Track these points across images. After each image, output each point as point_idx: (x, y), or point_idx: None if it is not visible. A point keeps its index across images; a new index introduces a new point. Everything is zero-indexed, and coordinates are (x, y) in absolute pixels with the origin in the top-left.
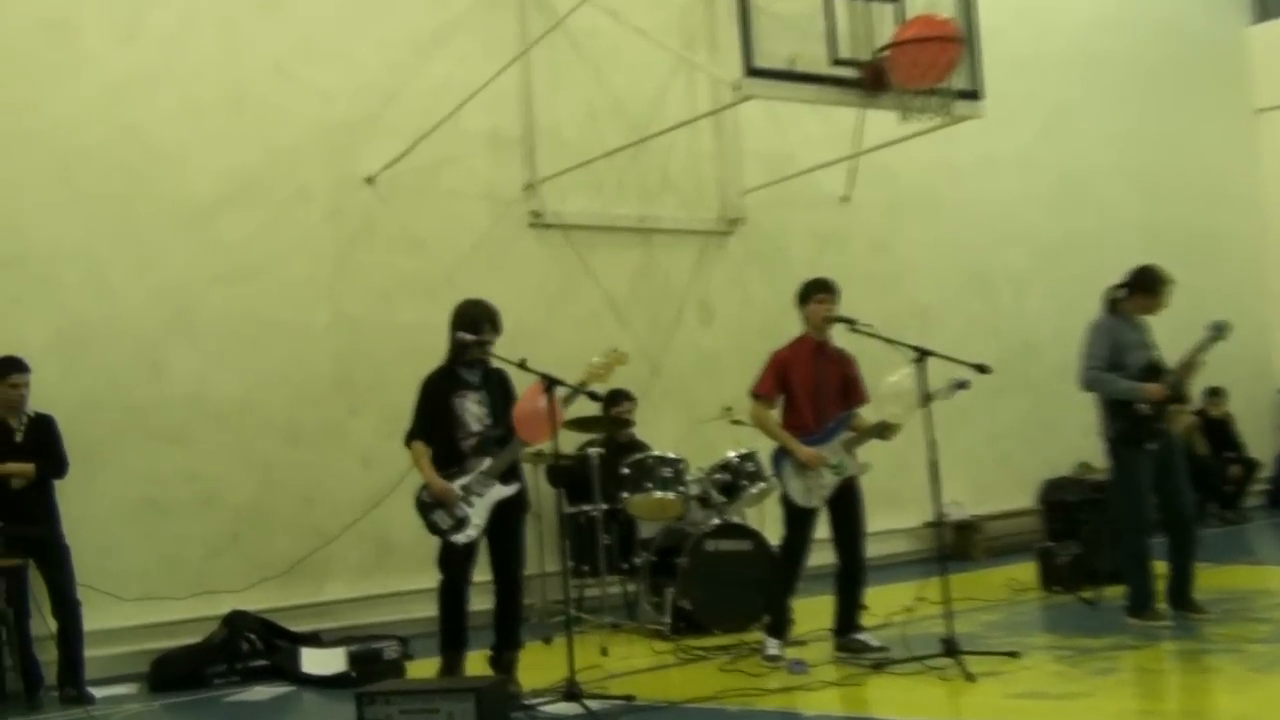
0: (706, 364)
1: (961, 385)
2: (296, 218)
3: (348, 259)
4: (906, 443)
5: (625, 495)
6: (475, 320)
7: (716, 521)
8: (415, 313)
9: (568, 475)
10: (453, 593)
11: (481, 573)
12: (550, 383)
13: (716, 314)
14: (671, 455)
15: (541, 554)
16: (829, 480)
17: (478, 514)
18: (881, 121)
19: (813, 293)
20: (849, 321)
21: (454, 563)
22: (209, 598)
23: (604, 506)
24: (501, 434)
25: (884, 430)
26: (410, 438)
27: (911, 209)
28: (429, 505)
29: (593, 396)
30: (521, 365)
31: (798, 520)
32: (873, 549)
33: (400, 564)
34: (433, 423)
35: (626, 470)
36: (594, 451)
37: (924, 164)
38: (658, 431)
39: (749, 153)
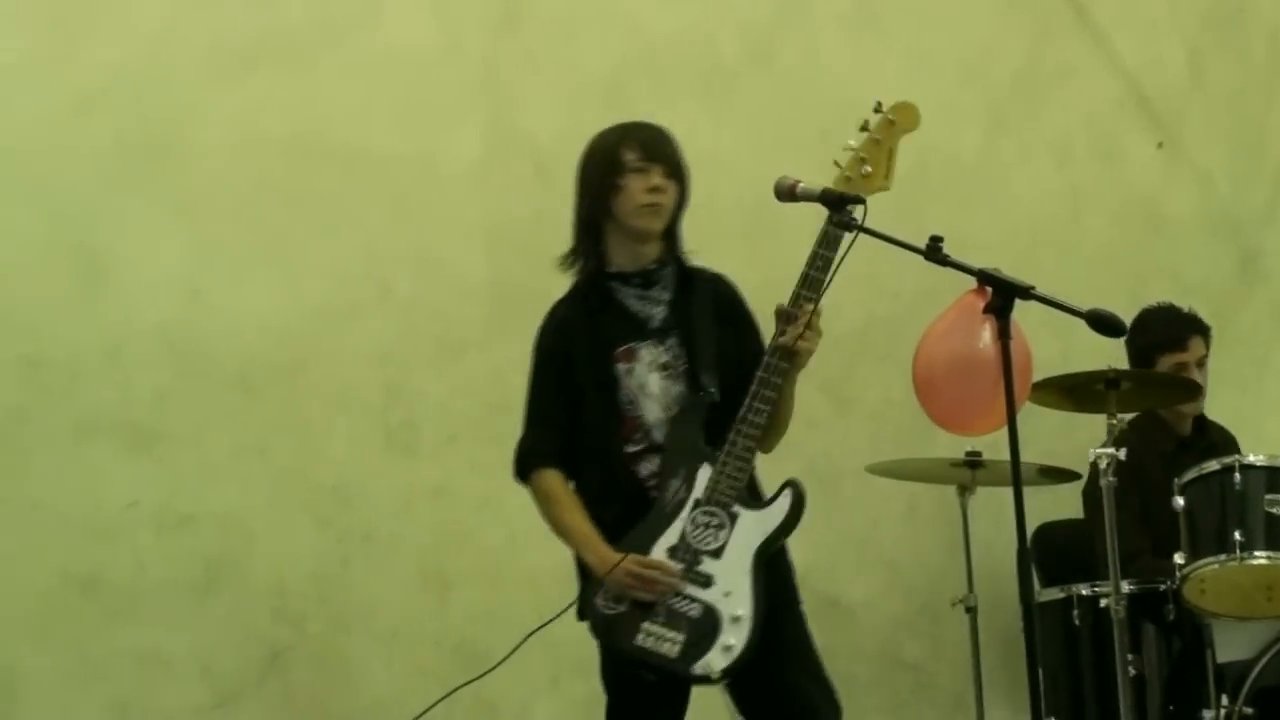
0: None
1: None
2: None
3: None
4: None
5: (1180, 564)
6: (604, 160)
7: None
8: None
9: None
10: None
11: None
12: (1005, 291)
13: None
14: None
15: (978, 692)
16: None
17: (732, 595)
18: None
19: None
20: None
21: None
22: None
23: (1130, 588)
24: (704, 402)
25: None
26: (527, 461)
27: None
28: (628, 627)
29: (1102, 325)
30: (932, 254)
31: None
32: None
33: None
34: (572, 424)
35: (1185, 502)
36: (1102, 456)
37: None
38: (1262, 408)
39: None
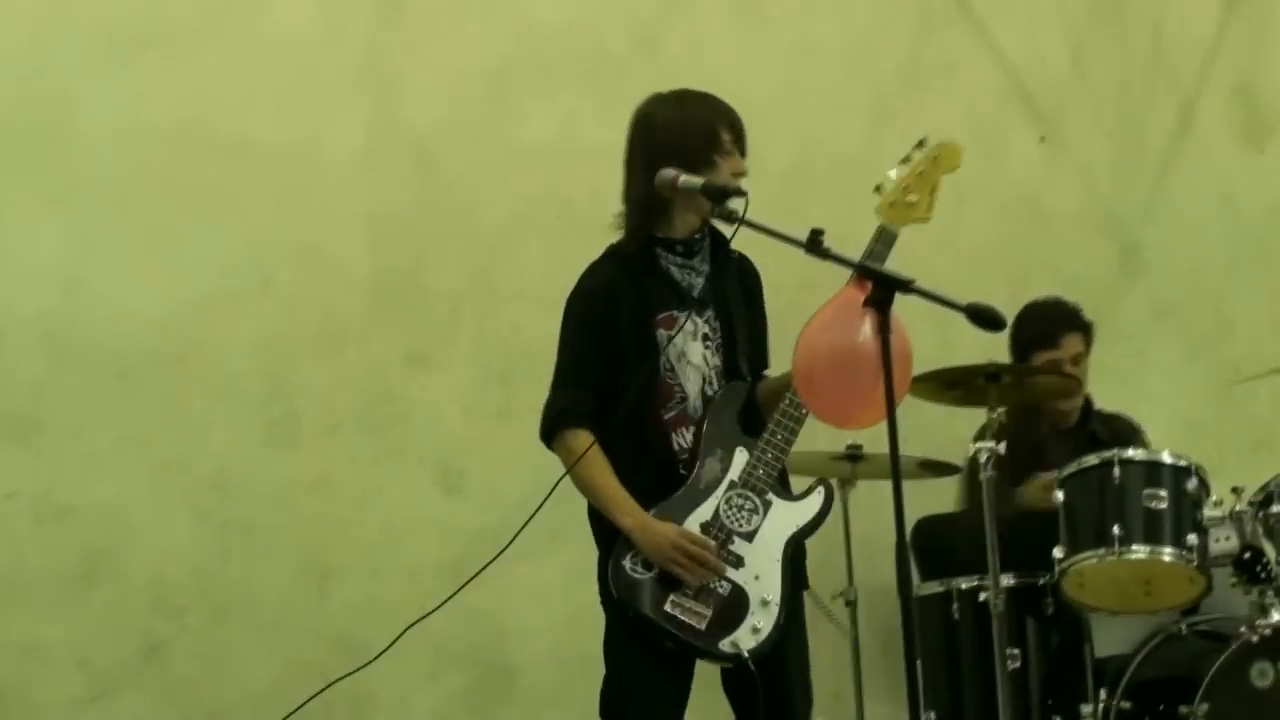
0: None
1: None
2: None
3: None
4: None
5: (1059, 557)
6: (702, 133)
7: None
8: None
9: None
10: None
11: None
12: (883, 284)
13: None
14: (1168, 459)
15: (858, 685)
16: None
17: (762, 579)
18: None
19: None
20: None
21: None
22: None
23: (1009, 583)
24: (745, 388)
25: None
26: (559, 420)
27: None
28: (656, 594)
29: (981, 319)
30: (812, 246)
31: None
32: None
33: (529, 708)
34: (606, 387)
35: (1065, 496)
36: (981, 450)
37: None
38: (1141, 401)
39: None
